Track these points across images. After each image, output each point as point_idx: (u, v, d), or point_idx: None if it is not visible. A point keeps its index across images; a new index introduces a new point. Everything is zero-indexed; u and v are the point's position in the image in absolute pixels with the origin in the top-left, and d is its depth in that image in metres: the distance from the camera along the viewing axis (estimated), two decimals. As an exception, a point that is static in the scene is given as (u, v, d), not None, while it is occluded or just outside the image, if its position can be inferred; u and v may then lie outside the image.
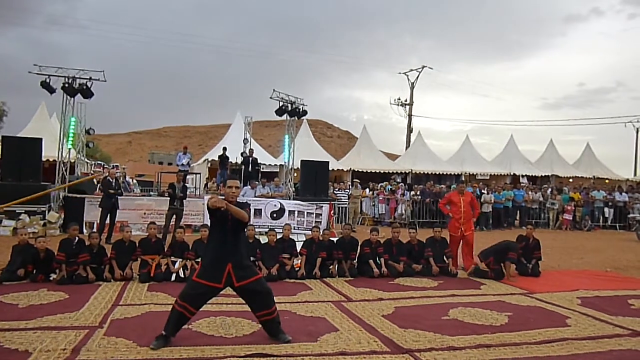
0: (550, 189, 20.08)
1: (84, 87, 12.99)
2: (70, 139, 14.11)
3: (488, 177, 24.89)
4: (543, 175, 26.07)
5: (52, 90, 12.91)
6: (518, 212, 18.21)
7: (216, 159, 20.01)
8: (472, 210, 9.30)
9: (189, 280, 4.86)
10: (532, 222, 11.29)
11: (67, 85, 12.82)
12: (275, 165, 22.88)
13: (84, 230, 11.06)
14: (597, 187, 20.50)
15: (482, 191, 17.30)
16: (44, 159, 13.28)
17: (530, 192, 18.68)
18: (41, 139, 12.66)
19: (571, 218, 18.09)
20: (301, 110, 15.68)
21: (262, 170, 18.59)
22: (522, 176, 25.24)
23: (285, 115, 15.51)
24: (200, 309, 4.67)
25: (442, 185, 19.77)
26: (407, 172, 25.09)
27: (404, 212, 17.27)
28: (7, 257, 7.30)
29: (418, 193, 17.38)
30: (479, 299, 6.74)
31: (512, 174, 25.64)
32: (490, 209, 16.96)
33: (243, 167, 16.72)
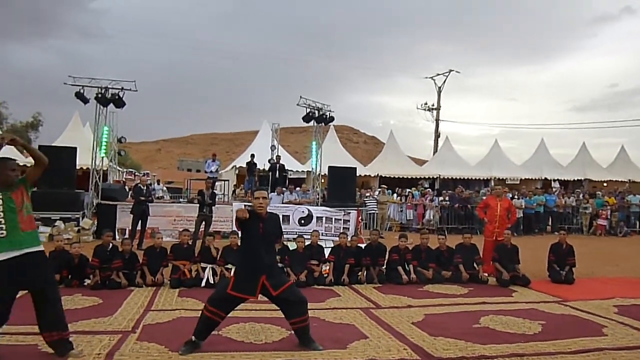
0: (583, 194, 19.59)
1: (116, 97, 13.32)
2: (103, 147, 14.46)
3: (518, 182, 24.42)
4: (575, 179, 25.45)
5: (85, 101, 13.29)
6: (550, 217, 17.81)
7: (244, 165, 20.20)
8: (508, 217, 9.22)
9: (219, 288, 4.90)
10: (565, 227, 11.05)
11: (100, 95, 13.17)
12: (302, 171, 22.95)
13: (116, 237, 11.31)
14: (633, 191, 19.89)
15: (514, 196, 16.98)
16: (77, 167, 13.66)
17: (562, 197, 18.26)
18: (76, 148, 13.00)
19: (606, 223, 17.60)
20: (328, 116, 15.72)
21: (289, 176, 18.68)
22: (554, 180, 24.71)
23: (312, 121, 15.57)
24: (230, 315, 4.72)
25: (471, 191, 19.50)
26: (434, 177, 24.85)
27: (432, 217, 17.10)
28: (43, 263, 7.48)
29: (446, 198, 17.19)
30: (510, 306, 6.61)
31: (543, 178, 25.12)
32: (521, 215, 16.63)
33: (270, 173, 16.83)
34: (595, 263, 10.65)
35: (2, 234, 3.83)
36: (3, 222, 3.85)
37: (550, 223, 17.80)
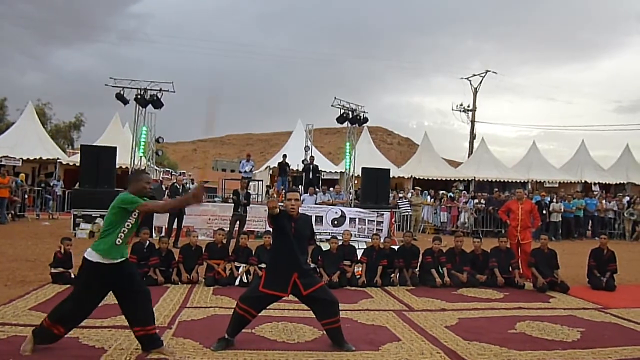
0: (627, 198, 18.91)
1: (155, 98, 13.66)
2: (142, 147, 14.82)
3: (557, 185, 23.81)
4: (618, 182, 24.62)
5: (125, 102, 13.69)
6: (590, 222, 17.28)
7: (277, 166, 20.36)
8: (532, 221, 9.08)
9: (252, 286, 4.96)
10: (606, 232, 10.72)
11: (139, 96, 13.54)
12: (336, 172, 22.99)
13: (153, 235, 11.57)
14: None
15: (552, 200, 16.53)
16: (117, 166, 14.04)
17: (604, 201, 17.68)
18: (115, 148, 13.37)
19: (651, 229, 16.92)
20: (362, 117, 15.70)
21: (322, 177, 18.73)
22: (594, 184, 23.97)
23: (346, 122, 15.58)
24: (263, 314, 4.77)
25: (508, 194, 19.11)
26: (469, 179, 24.47)
27: (466, 220, 16.84)
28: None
29: (482, 201, 16.89)
30: (548, 312, 6.45)
31: (583, 181, 24.41)
32: (560, 219, 16.19)
33: (304, 174, 16.91)
34: (638, 269, 10.26)
35: (118, 242, 4.14)
36: (125, 233, 4.19)
37: (590, 228, 17.29)
